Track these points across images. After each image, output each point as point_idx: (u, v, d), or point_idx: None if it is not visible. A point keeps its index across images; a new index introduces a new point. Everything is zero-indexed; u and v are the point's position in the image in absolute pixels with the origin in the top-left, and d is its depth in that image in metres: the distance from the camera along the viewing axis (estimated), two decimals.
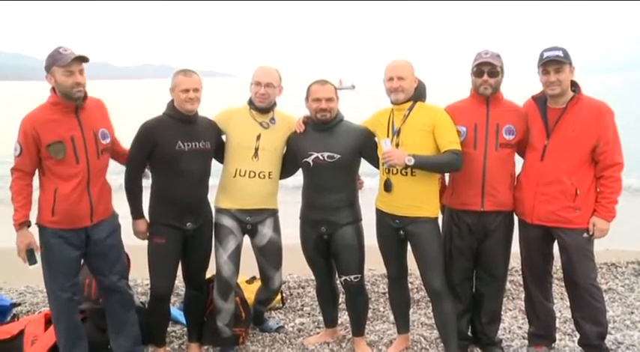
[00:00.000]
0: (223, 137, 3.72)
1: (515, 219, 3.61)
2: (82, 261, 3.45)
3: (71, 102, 3.20)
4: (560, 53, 3.30)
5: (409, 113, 3.43)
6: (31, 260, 3.26)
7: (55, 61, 3.13)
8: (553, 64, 3.29)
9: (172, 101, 3.50)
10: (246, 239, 3.74)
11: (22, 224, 3.23)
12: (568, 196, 3.34)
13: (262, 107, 3.64)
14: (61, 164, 3.20)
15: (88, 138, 3.26)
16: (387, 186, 3.44)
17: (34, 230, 3.30)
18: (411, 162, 3.24)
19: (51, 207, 3.21)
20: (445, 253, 3.56)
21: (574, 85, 3.39)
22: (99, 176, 3.34)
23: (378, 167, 3.62)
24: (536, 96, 3.49)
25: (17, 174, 3.25)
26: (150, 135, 3.43)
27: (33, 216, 3.30)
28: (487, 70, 3.41)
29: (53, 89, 3.21)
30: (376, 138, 3.59)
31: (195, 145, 3.46)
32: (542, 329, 3.69)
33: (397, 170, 3.40)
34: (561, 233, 3.41)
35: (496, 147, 3.44)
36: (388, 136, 3.44)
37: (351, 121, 3.70)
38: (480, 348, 3.79)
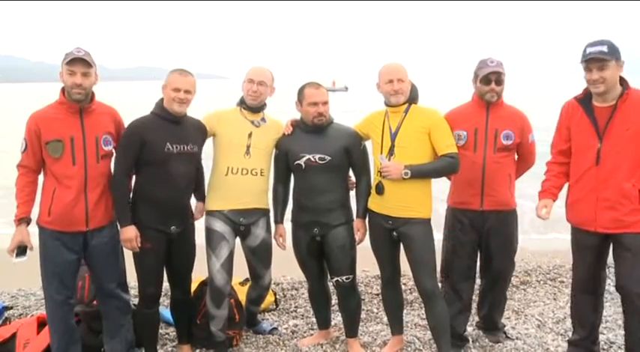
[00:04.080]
0: (210, 139, 3.68)
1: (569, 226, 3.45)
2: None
3: (74, 103, 3.21)
4: (605, 48, 3.05)
5: (405, 115, 3.46)
6: (19, 256, 3.20)
7: (65, 58, 3.18)
8: (595, 61, 3.07)
9: (162, 100, 3.43)
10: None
11: (21, 220, 3.22)
12: (632, 199, 3.11)
13: (254, 105, 3.64)
14: (58, 163, 3.20)
15: (89, 141, 3.23)
16: (379, 189, 3.46)
17: (34, 229, 3.27)
18: (408, 175, 3.32)
19: (48, 207, 3.22)
20: (448, 250, 3.64)
21: (622, 81, 3.14)
22: (98, 181, 3.28)
23: (357, 172, 3.69)
24: (580, 97, 3.28)
25: (22, 170, 3.26)
26: (137, 135, 3.32)
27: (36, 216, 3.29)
28: (494, 78, 3.48)
29: (63, 88, 3.23)
30: (368, 142, 3.62)
31: (184, 148, 3.39)
32: (584, 339, 3.49)
33: None
34: (628, 238, 3.14)
35: (494, 150, 3.53)
36: (383, 138, 3.46)
37: (341, 123, 3.71)
38: (484, 331, 3.94)
